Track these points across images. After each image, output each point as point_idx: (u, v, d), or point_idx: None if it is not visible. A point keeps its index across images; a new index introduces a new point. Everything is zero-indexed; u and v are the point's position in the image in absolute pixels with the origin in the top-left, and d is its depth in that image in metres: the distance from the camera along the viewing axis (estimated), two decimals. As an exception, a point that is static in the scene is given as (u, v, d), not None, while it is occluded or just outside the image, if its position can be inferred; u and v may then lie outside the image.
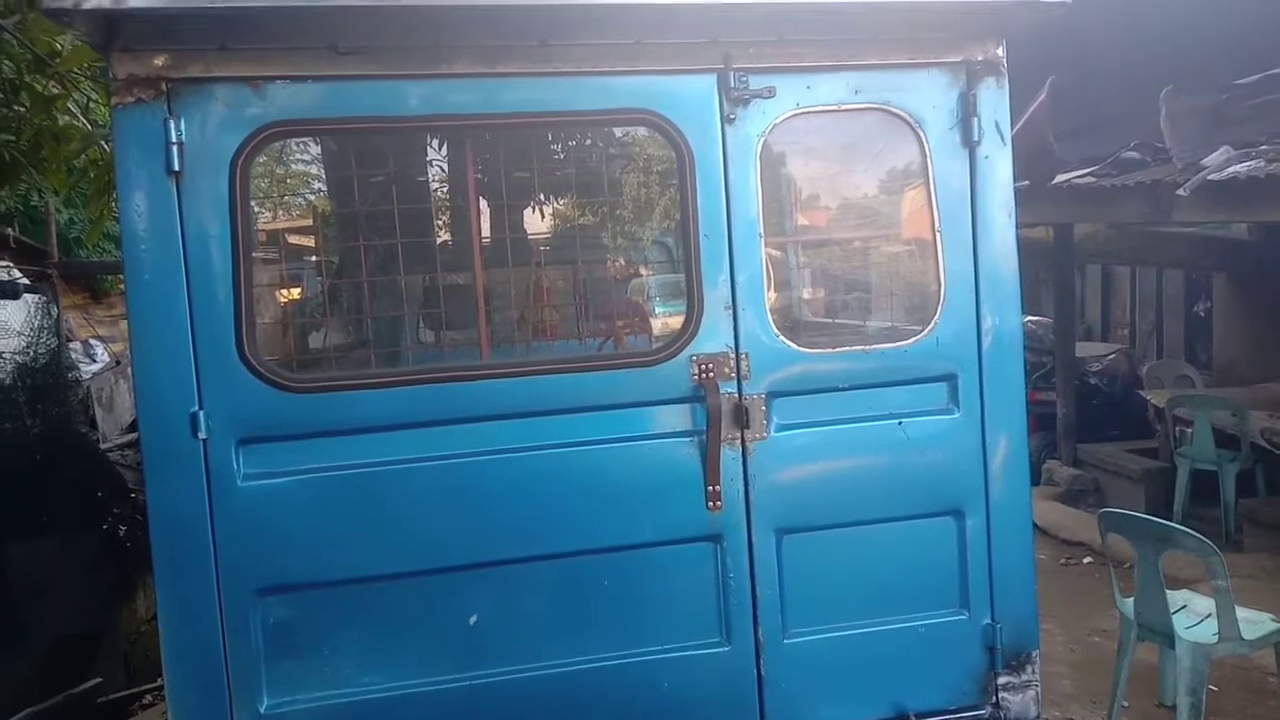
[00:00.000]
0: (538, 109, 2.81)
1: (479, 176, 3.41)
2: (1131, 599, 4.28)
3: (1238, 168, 5.88)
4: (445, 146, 3.86)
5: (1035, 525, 4.23)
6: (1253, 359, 9.57)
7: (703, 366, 2.89)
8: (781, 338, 2.95)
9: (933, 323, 3.04)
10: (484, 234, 3.58)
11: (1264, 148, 6.17)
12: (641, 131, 3.62)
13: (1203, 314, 10.95)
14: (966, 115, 3.00)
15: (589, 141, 4.14)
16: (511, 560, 2.83)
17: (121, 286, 5.66)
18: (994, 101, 3.01)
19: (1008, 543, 3.10)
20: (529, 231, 4.23)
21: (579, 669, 2.88)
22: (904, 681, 3.07)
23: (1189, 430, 7.81)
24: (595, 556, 2.88)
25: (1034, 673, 3.14)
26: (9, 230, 8.49)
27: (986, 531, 3.08)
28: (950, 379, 3.05)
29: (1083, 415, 9.45)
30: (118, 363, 8.81)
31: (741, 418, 2.91)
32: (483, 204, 3.56)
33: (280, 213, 4.29)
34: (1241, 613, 4.04)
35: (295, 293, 4.16)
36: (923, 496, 3.05)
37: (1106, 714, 4.35)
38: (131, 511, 6.01)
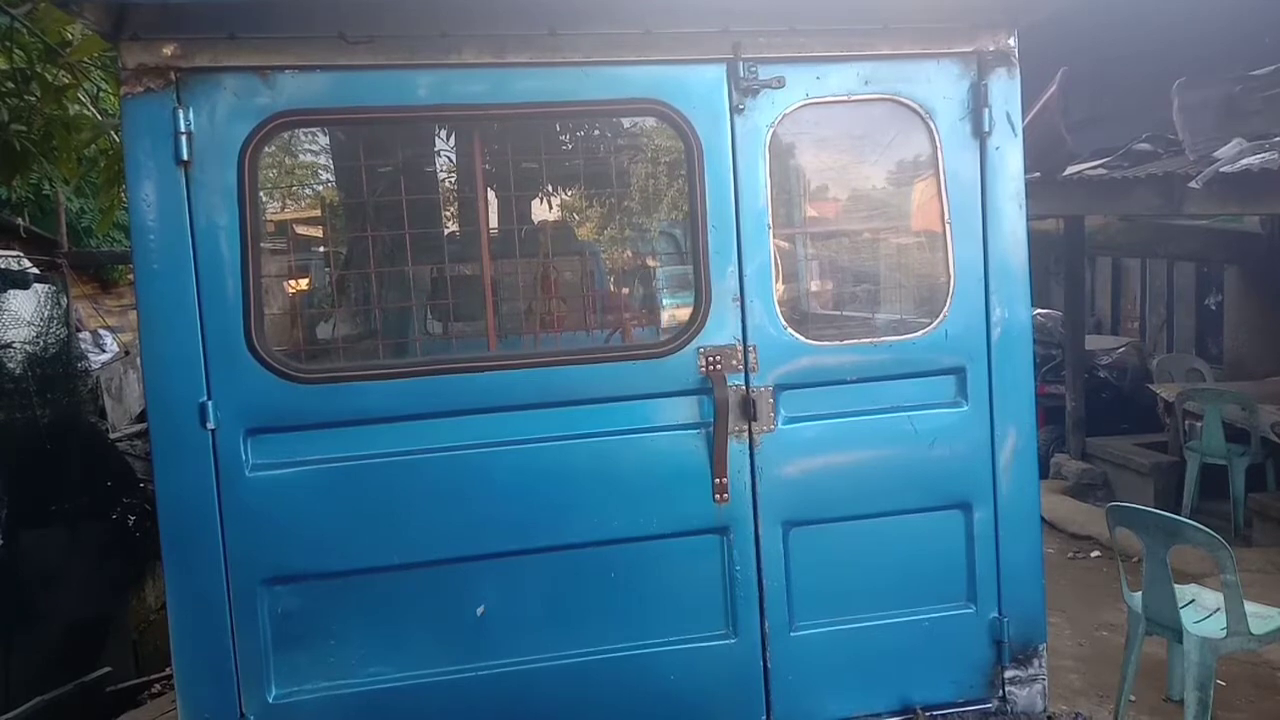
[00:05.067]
0: (546, 99, 2.80)
1: (487, 167, 3.40)
2: (1140, 593, 4.27)
3: (1250, 160, 5.83)
4: (453, 137, 3.86)
5: (1043, 519, 4.22)
6: (1264, 353, 9.51)
7: (710, 359, 2.88)
8: (789, 330, 2.94)
9: (941, 315, 3.02)
10: (492, 225, 3.57)
11: (1277, 140, 6.12)
12: (650, 122, 3.61)
13: (1214, 307, 10.89)
14: (977, 106, 2.98)
15: (597, 132, 4.13)
16: (518, 552, 2.84)
17: (131, 277, 5.67)
18: (1005, 92, 2.99)
19: (1015, 536, 3.09)
20: (535, 222, 4.23)
21: (585, 660, 2.89)
22: (911, 675, 3.07)
23: (1199, 424, 7.77)
24: (602, 548, 2.88)
25: (1041, 666, 3.14)
26: (19, 220, 8.52)
27: (994, 525, 3.07)
28: (959, 372, 3.04)
29: (1092, 409, 9.42)
30: (127, 353, 8.83)
31: (749, 410, 2.91)
32: (491, 194, 3.56)
33: (289, 203, 4.29)
34: (1250, 607, 4.03)
35: (303, 283, 4.17)
36: (930, 490, 3.05)
37: (1114, 708, 4.34)
38: (140, 501, 6.04)
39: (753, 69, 2.84)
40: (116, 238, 9.98)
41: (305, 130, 3.81)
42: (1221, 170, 5.91)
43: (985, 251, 3.02)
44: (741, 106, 2.86)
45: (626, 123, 4.01)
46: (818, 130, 3.18)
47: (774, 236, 2.93)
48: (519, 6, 2.68)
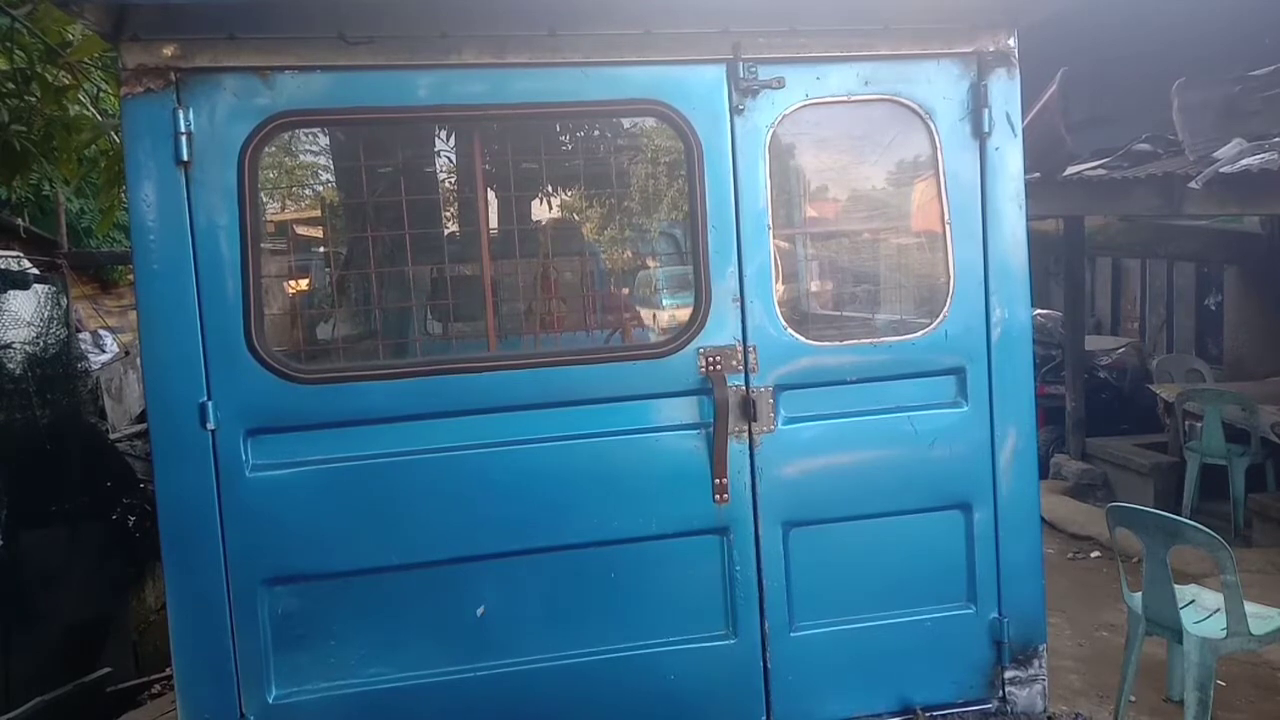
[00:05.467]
0: (546, 99, 2.80)
1: (487, 167, 3.40)
2: (1139, 593, 4.26)
3: (1250, 160, 5.83)
4: (453, 137, 3.86)
5: (1043, 519, 4.22)
6: (1264, 353, 9.51)
7: (710, 359, 2.88)
8: (789, 330, 2.95)
9: (941, 315, 3.03)
10: (492, 225, 3.57)
11: (1277, 140, 6.12)
12: (650, 122, 3.61)
13: (1213, 307, 10.89)
14: (977, 106, 2.98)
15: (597, 132, 4.13)
16: (518, 552, 2.84)
17: (131, 277, 5.67)
18: (1005, 92, 2.99)
19: (1015, 537, 3.09)
20: (536, 222, 4.23)
21: (585, 660, 2.89)
22: (911, 675, 3.07)
23: (1199, 424, 7.77)
24: (602, 549, 2.88)
25: (1041, 667, 3.14)
26: (19, 220, 8.51)
27: (994, 525, 3.07)
28: (959, 372, 3.04)
29: (1092, 409, 9.42)
30: (127, 353, 8.83)
31: (749, 410, 2.91)
32: (490, 195, 3.55)
33: (289, 203, 4.29)
34: (1250, 608, 4.02)
35: (303, 284, 4.17)
36: (930, 490, 3.05)
37: (1114, 709, 4.34)
38: (140, 502, 6.04)
39: (752, 69, 2.85)
40: (116, 238, 9.98)
41: (305, 130, 3.81)
42: (1221, 171, 5.91)
43: (985, 252, 3.02)
44: (741, 107, 2.86)
45: (626, 123, 4.01)
46: (818, 131, 3.18)
47: (774, 237, 2.93)
48: (519, 7, 2.68)
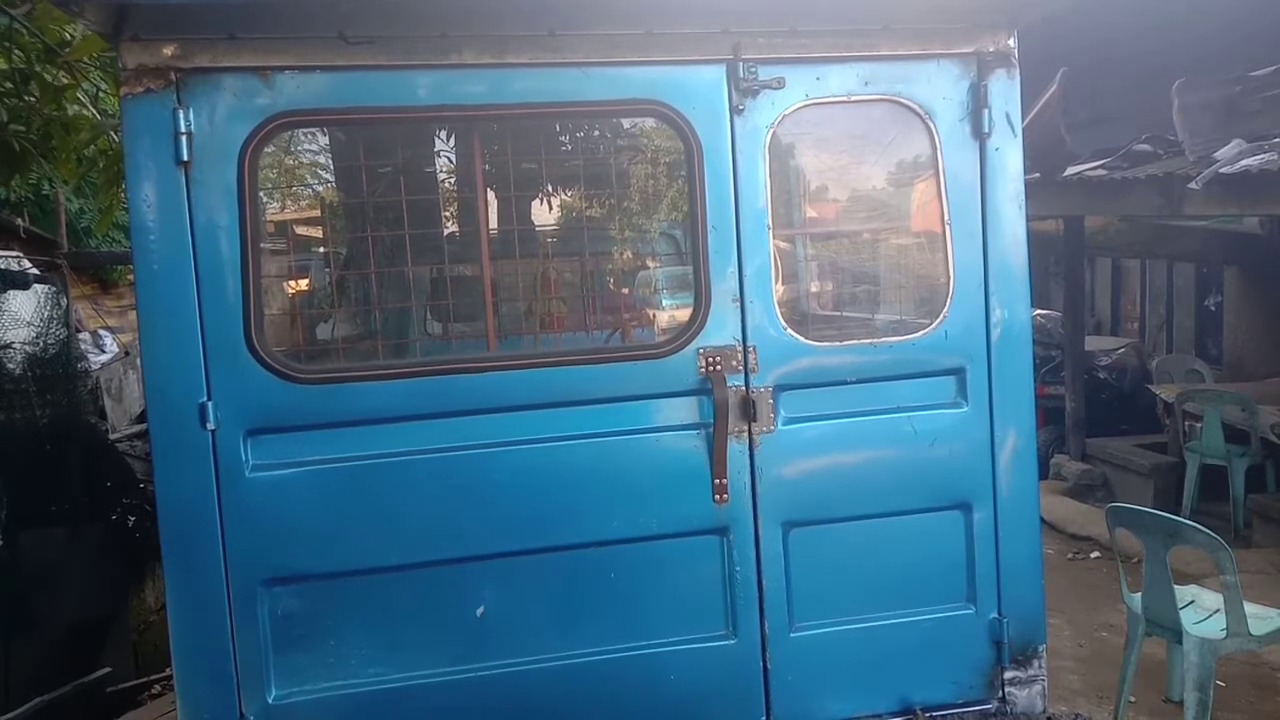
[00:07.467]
0: (546, 99, 2.80)
1: (487, 167, 3.40)
2: (1139, 594, 4.27)
3: (1250, 161, 5.84)
4: (453, 137, 3.86)
5: (1043, 520, 4.22)
6: (1263, 354, 9.52)
7: (710, 359, 2.88)
8: (789, 330, 2.94)
9: (941, 316, 3.02)
10: (492, 225, 3.57)
11: (1277, 141, 6.12)
12: (650, 122, 3.61)
13: (1213, 308, 10.90)
14: (977, 107, 2.98)
15: (597, 133, 4.13)
16: (518, 552, 2.84)
17: (131, 277, 5.67)
18: (1005, 93, 2.99)
19: (1015, 537, 3.09)
20: (536, 223, 4.23)
21: (585, 661, 2.89)
22: (911, 675, 3.07)
23: (1198, 425, 7.78)
24: (602, 549, 2.88)
25: (1041, 667, 3.13)
26: (19, 220, 8.51)
27: (994, 526, 3.07)
28: (959, 372, 3.04)
29: (1092, 409, 9.42)
30: (127, 353, 8.83)
31: (749, 411, 2.90)
32: (490, 195, 3.55)
33: (289, 203, 4.29)
34: (1250, 608, 4.03)
35: (303, 284, 4.16)
36: (930, 490, 3.05)
37: (1113, 709, 4.35)
38: (140, 502, 6.04)
39: (753, 70, 2.84)
40: (116, 238, 9.98)
41: (305, 130, 3.80)
42: (1221, 171, 5.92)
43: (985, 252, 3.02)
44: (741, 107, 2.86)
45: (626, 123, 4.01)
46: (818, 131, 3.18)
47: (774, 237, 2.93)
48: (519, 7, 2.68)
